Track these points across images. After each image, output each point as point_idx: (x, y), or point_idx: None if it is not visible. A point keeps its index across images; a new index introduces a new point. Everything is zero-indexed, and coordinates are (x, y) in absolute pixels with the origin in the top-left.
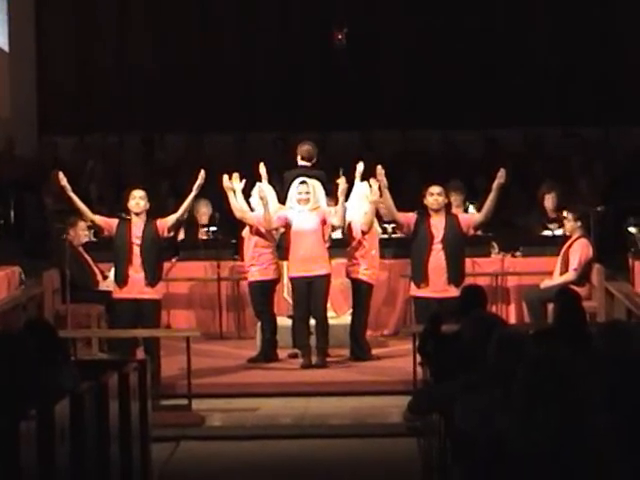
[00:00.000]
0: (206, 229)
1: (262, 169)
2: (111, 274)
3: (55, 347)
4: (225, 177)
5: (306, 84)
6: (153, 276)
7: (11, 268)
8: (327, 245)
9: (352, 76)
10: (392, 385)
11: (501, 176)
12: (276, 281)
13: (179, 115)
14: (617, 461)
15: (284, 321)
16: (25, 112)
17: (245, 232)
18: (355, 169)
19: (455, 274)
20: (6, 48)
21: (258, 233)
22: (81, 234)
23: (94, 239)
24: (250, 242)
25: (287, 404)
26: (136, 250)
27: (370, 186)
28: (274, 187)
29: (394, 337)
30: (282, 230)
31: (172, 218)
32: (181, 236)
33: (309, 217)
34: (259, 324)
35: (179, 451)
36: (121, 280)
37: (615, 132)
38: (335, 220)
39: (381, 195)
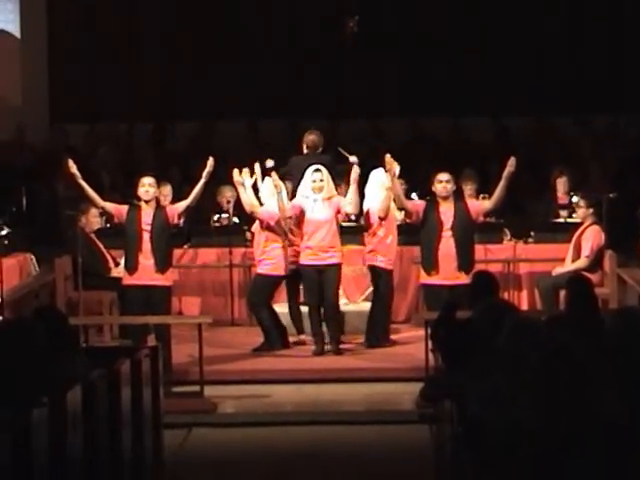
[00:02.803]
0: (218, 215)
1: (269, 163)
2: (123, 261)
3: (65, 334)
4: (235, 171)
5: (316, 71)
6: (163, 263)
7: (23, 255)
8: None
9: (362, 63)
10: (404, 372)
11: (511, 164)
12: (284, 277)
13: (190, 102)
14: (629, 447)
15: (283, 308)
16: (36, 100)
17: (255, 227)
18: (367, 157)
19: (465, 261)
20: (17, 35)
21: (268, 228)
22: (93, 221)
23: (107, 225)
24: (261, 237)
25: (299, 391)
26: (146, 237)
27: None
28: (282, 179)
29: (406, 324)
30: (293, 220)
31: (182, 205)
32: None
33: (323, 207)
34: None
35: (191, 438)
36: (131, 267)
37: (626, 119)
38: (349, 208)
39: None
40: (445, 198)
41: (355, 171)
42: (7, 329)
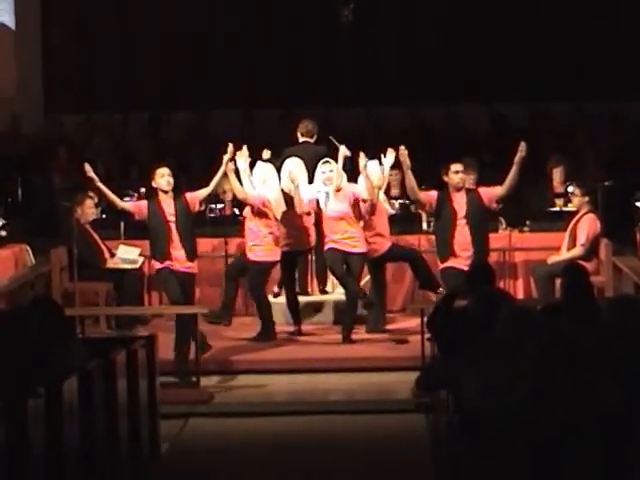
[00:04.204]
0: (213, 205)
1: (266, 155)
2: (118, 252)
3: (61, 325)
4: (225, 158)
5: (312, 60)
6: (192, 252)
7: (19, 246)
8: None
9: (358, 52)
10: (400, 361)
11: (522, 149)
12: (276, 263)
13: (185, 92)
14: (627, 436)
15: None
16: (31, 90)
17: (246, 212)
18: (360, 147)
19: (480, 248)
20: (12, 26)
21: (259, 214)
22: (88, 212)
23: (102, 216)
24: (252, 223)
25: (295, 380)
26: (173, 227)
27: (380, 164)
28: (273, 162)
29: (402, 313)
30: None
31: (203, 192)
32: None
33: (336, 200)
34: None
35: (188, 428)
36: (163, 257)
37: (622, 106)
38: (365, 194)
39: (403, 175)
40: (459, 188)
41: (362, 159)
42: (3, 320)
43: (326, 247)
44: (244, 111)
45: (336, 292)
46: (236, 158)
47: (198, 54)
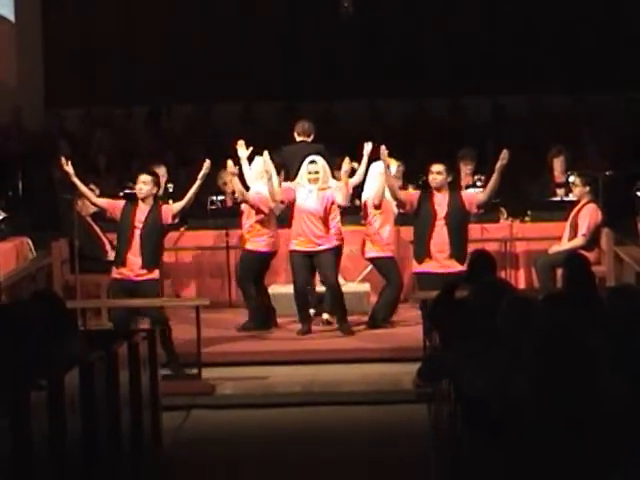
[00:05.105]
0: (214, 198)
1: (266, 156)
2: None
3: (62, 317)
4: (229, 163)
5: (312, 53)
6: (150, 262)
7: (20, 239)
8: (336, 219)
9: (359, 44)
10: (402, 352)
11: (503, 157)
12: (272, 254)
13: (185, 85)
14: (629, 423)
15: (280, 289)
16: (31, 84)
17: (244, 205)
18: (362, 141)
19: (458, 251)
20: (12, 19)
21: (259, 211)
22: (89, 205)
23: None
24: (251, 213)
25: (297, 372)
26: (137, 234)
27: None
28: (273, 160)
29: (403, 304)
30: (284, 205)
31: (177, 206)
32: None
33: (316, 197)
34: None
35: (190, 420)
36: (120, 262)
37: (623, 96)
38: (340, 199)
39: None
40: (439, 189)
41: (346, 164)
42: (5, 313)
43: (291, 247)
44: (244, 105)
45: (347, 285)
46: (237, 147)
47: (198, 47)
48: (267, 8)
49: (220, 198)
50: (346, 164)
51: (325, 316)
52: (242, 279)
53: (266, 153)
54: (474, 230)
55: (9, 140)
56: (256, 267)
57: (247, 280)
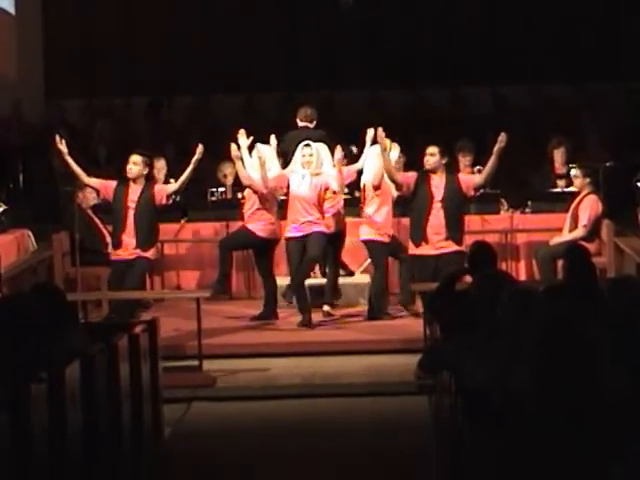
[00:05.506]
0: (215, 190)
1: (273, 141)
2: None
3: (63, 310)
4: (233, 146)
5: (313, 43)
6: (144, 241)
7: (20, 232)
8: (338, 205)
9: (359, 34)
10: (402, 343)
11: (501, 140)
12: (275, 241)
13: (185, 76)
14: (630, 415)
15: (281, 281)
16: (32, 76)
17: (247, 192)
18: (363, 132)
19: (454, 232)
20: (12, 11)
21: (261, 196)
22: (89, 197)
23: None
24: (251, 201)
25: (298, 364)
26: (130, 215)
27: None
28: (278, 146)
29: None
30: (284, 191)
31: (171, 188)
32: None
33: (309, 183)
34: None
35: (191, 412)
36: (115, 243)
37: (623, 86)
38: (334, 185)
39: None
40: (434, 170)
41: (338, 152)
42: (5, 305)
43: (286, 234)
44: (245, 96)
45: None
46: (238, 136)
47: (198, 38)
48: (268, 1)
49: (221, 190)
50: (338, 152)
51: (325, 308)
52: (224, 244)
53: (273, 137)
54: (474, 221)
55: (9, 132)
56: (243, 242)
57: (227, 248)
